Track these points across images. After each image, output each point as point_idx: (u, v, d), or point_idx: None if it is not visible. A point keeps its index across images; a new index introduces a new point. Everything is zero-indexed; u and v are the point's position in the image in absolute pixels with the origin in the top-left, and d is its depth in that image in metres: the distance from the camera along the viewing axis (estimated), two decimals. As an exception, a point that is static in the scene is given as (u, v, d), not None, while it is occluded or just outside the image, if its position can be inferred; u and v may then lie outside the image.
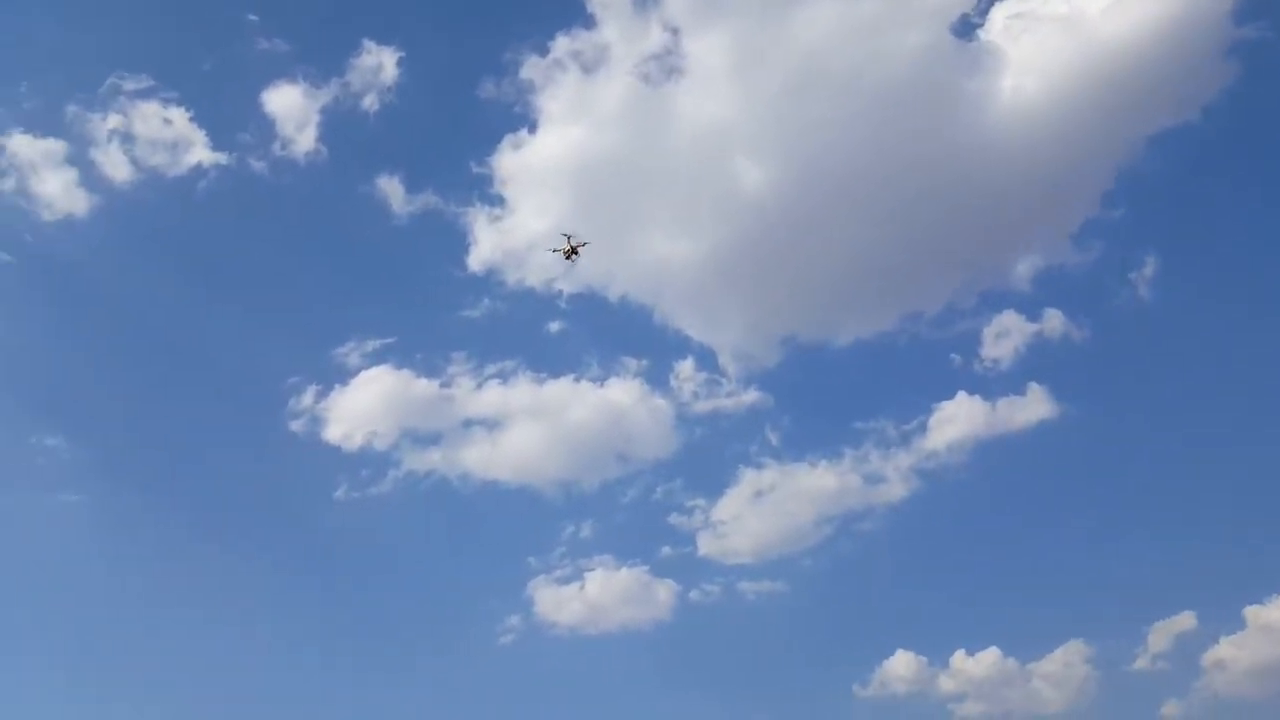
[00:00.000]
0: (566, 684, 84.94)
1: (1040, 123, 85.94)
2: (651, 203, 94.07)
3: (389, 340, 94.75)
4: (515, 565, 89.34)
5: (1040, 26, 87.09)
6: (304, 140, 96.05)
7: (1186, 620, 74.02)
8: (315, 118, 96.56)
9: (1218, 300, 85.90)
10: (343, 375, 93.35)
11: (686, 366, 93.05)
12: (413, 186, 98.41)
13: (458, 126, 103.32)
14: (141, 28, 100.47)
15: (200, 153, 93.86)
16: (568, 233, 75.69)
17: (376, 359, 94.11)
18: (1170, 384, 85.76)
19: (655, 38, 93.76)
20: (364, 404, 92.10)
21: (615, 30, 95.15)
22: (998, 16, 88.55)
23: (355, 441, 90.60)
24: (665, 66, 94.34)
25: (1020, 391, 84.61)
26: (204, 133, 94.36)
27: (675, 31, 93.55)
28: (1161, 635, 74.24)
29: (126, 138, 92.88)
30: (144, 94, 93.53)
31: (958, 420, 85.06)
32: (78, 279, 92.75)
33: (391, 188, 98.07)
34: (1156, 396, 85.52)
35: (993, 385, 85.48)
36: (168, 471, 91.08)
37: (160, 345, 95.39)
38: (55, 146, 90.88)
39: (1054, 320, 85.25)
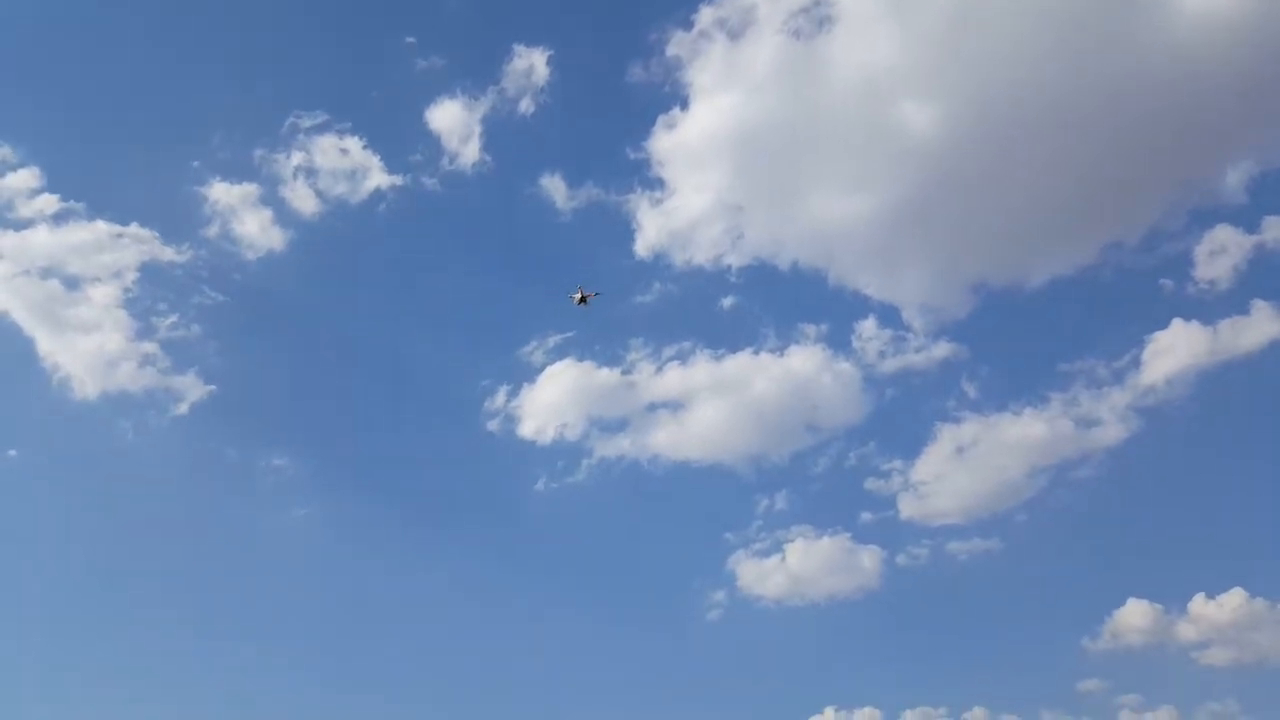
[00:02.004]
0: (776, 655, 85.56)
1: (1240, 13, 77.91)
2: (815, 162, 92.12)
3: (569, 335, 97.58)
4: (714, 542, 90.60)
5: (1229, -93, 78.45)
6: (469, 152, 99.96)
7: None
8: (477, 128, 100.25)
9: None
10: (530, 373, 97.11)
11: (868, 326, 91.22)
12: (574, 181, 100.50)
13: (611, 115, 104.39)
14: (311, 65, 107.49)
15: (377, 177, 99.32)
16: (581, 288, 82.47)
17: (559, 354, 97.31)
18: None
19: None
20: (552, 398, 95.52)
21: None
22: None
23: (548, 435, 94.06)
24: (815, 18, 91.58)
25: (1244, 311, 78.90)
26: (378, 158, 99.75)
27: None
28: None
29: (310, 172, 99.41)
30: (320, 129, 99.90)
31: (1176, 350, 79.87)
32: (283, 309, 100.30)
33: (554, 185, 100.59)
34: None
35: (1212, 308, 79.83)
36: (382, 480, 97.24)
37: (361, 363, 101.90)
38: (249, 190, 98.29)
39: (1275, 229, 78.68)
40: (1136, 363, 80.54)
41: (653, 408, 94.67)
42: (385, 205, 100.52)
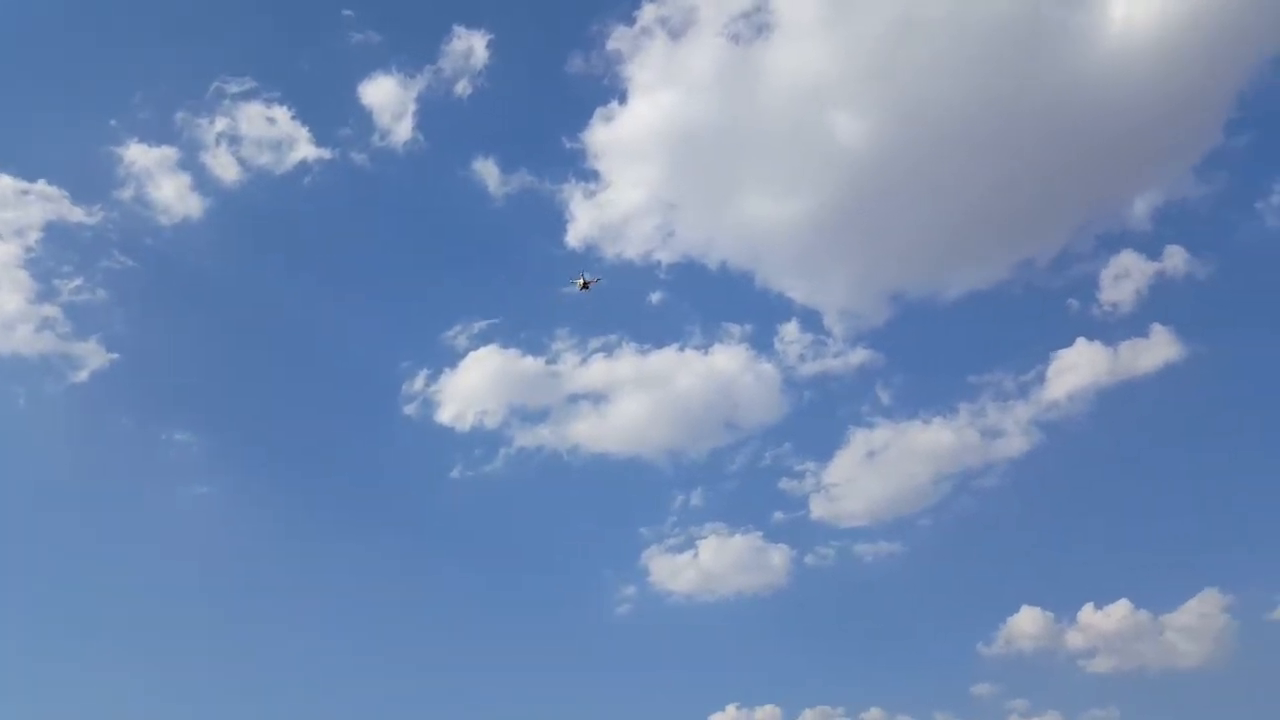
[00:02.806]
0: (683, 650, 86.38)
1: (1154, 51, 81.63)
2: (748, 165, 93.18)
3: (494, 321, 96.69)
4: (628, 536, 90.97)
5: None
6: (401, 130, 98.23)
7: (1332, 563, 70.56)
8: (411, 106, 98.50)
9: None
10: (452, 358, 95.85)
11: (791, 329, 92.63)
12: (508, 167, 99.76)
13: (548, 104, 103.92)
14: (241, 30, 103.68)
15: (304, 149, 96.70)
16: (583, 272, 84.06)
17: (483, 340, 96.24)
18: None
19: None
20: (473, 385, 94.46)
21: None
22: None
23: (467, 422, 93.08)
24: (755, 24, 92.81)
25: (1144, 334, 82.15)
26: (306, 129, 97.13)
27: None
28: (1306, 580, 70.96)
29: (234, 140, 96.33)
30: (247, 95, 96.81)
31: (1078, 368, 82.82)
32: (196, 279, 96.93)
33: (488, 170, 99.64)
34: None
35: (1114, 329, 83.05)
36: (290, 461, 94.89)
37: (276, 338, 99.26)
38: (168, 153, 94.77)
39: (1176, 258, 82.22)
40: (1041, 378, 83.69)
41: (575, 399, 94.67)
42: (311, 178, 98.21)
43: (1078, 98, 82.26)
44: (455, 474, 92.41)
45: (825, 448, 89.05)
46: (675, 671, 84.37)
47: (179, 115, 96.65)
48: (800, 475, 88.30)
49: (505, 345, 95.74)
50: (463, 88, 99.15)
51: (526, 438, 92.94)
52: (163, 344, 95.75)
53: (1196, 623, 73.88)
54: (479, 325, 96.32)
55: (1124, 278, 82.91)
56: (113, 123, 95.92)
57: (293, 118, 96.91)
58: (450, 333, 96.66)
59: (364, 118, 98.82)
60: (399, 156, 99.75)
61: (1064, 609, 77.32)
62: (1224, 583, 73.40)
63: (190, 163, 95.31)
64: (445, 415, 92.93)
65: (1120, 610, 76.05)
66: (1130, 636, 75.37)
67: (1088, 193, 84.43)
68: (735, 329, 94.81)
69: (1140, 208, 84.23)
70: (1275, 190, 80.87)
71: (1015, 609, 78.33)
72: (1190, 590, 74.80)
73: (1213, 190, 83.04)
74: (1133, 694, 74.87)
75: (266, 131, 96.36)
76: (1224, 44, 79.94)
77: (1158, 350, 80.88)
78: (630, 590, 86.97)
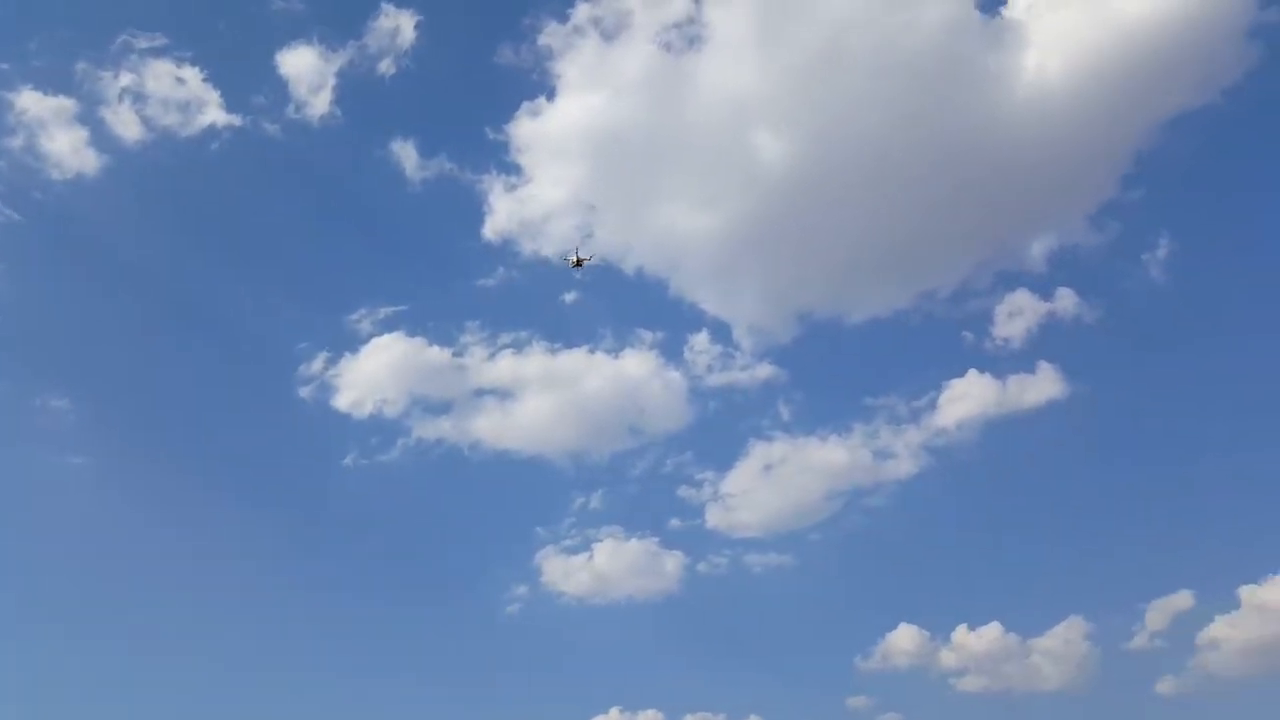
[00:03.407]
0: (570, 652, 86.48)
1: (1062, 103, 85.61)
2: (670, 174, 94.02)
3: (401, 308, 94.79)
4: (524, 535, 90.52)
5: (1063, 5, 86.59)
6: (319, 103, 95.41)
7: (1184, 599, 75.43)
8: (331, 80, 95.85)
9: (1229, 283, 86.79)
10: (353, 342, 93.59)
11: (701, 339, 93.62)
12: (427, 152, 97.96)
13: (474, 92, 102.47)
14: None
15: (213, 113, 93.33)
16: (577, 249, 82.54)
17: (388, 326, 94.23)
18: (1178, 365, 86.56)
19: (677, 6, 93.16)
20: (374, 371, 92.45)
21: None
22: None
23: (365, 409, 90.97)
24: (687, 35, 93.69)
25: (1031, 370, 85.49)
26: (218, 93, 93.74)
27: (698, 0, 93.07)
28: (1159, 614, 75.76)
29: (138, 97, 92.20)
30: (157, 52, 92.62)
31: (968, 398, 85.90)
32: (86, 239, 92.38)
33: (406, 153, 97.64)
34: (1164, 377, 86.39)
35: (1003, 363, 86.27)
36: (173, 435, 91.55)
37: (169, 307, 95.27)
38: (65, 104, 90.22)
39: (1066, 300, 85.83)
40: (933, 405, 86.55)
41: (480, 393, 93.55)
42: (219, 144, 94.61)
43: (989, 139, 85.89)
44: (349, 461, 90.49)
45: (725, 458, 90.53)
46: (561, 673, 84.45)
47: (79, 66, 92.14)
48: (699, 484, 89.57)
49: (411, 334, 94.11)
50: (386, 67, 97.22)
51: (427, 429, 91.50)
52: (44, 304, 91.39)
53: (1061, 648, 77.72)
54: (385, 311, 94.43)
55: (1017, 315, 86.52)
56: (4, 66, 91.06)
57: (204, 80, 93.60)
58: (354, 316, 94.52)
59: (280, 87, 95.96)
60: (313, 130, 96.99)
61: (939, 628, 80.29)
62: (1088, 611, 77.41)
63: (89, 116, 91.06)
64: (343, 401, 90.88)
65: (992, 632, 79.37)
66: (999, 658, 78.86)
67: (990, 231, 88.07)
68: (647, 335, 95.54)
69: (1037, 250, 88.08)
70: (1161, 245, 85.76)
71: (893, 626, 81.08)
72: (1057, 617, 78.51)
73: (1105, 239, 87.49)
74: (999, 713, 78.63)
75: (174, 92, 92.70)
76: (1126, 103, 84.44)
77: (1043, 386, 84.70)
78: (522, 590, 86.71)
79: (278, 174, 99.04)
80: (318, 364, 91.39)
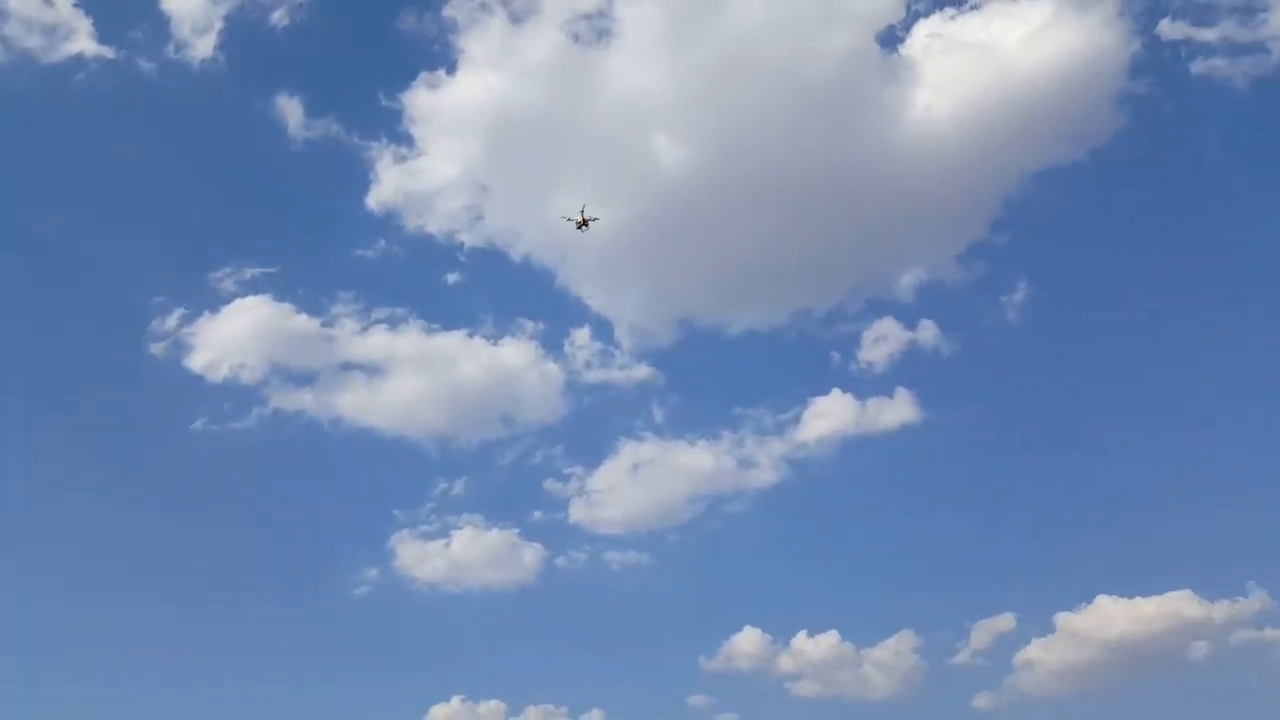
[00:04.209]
0: (419, 639, 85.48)
1: (946, 143, 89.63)
2: (567, 165, 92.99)
3: (271, 270, 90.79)
4: (380, 517, 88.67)
5: (958, 49, 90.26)
6: (202, 46, 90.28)
7: (1006, 621, 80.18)
8: (218, 24, 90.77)
9: (1076, 331, 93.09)
10: (214, 301, 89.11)
11: (583, 335, 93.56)
12: (315, 111, 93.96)
13: (371, 56, 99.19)
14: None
15: (83, 42, 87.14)
16: (583, 209, 76.65)
17: (254, 288, 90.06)
18: (1021, 404, 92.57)
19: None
20: (235, 334, 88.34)
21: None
22: (920, 33, 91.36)
23: (220, 372, 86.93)
24: (596, 28, 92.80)
25: (889, 394, 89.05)
26: (90, 21, 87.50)
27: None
28: (983, 633, 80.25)
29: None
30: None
31: (830, 415, 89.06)
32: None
33: (291, 109, 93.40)
34: (1008, 413, 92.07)
35: (865, 386, 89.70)
36: (8, 380, 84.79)
37: (10, 243, 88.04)
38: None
39: (928, 331, 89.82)
40: (797, 419, 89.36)
41: (348, 367, 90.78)
42: (85, 76, 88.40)
43: (875, 170, 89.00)
44: (198, 426, 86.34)
45: (595, 455, 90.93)
46: (406, 659, 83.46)
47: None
48: (566, 478, 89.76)
49: (279, 298, 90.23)
50: (280, 17, 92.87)
51: (286, 400, 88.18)
52: None
53: (891, 659, 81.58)
54: (252, 272, 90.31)
55: (882, 341, 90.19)
56: None
57: (75, 4, 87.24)
58: (218, 274, 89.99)
59: (160, 23, 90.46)
60: (193, 73, 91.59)
61: (781, 633, 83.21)
62: (919, 626, 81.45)
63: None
64: (197, 362, 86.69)
65: (829, 640, 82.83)
66: (834, 665, 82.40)
67: (866, 259, 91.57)
68: (528, 325, 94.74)
69: (907, 281, 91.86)
70: (1020, 289, 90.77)
71: (739, 628, 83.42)
72: (891, 629, 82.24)
73: (970, 278, 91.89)
74: (828, 718, 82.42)
75: (39, 13, 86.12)
76: (1003, 151, 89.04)
77: (899, 411, 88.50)
78: (372, 573, 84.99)
79: (148, 115, 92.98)
80: (173, 320, 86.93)
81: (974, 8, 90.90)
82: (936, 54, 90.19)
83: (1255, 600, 74.86)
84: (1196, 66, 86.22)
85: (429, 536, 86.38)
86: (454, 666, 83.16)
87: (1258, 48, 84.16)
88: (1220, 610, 75.46)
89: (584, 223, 76.52)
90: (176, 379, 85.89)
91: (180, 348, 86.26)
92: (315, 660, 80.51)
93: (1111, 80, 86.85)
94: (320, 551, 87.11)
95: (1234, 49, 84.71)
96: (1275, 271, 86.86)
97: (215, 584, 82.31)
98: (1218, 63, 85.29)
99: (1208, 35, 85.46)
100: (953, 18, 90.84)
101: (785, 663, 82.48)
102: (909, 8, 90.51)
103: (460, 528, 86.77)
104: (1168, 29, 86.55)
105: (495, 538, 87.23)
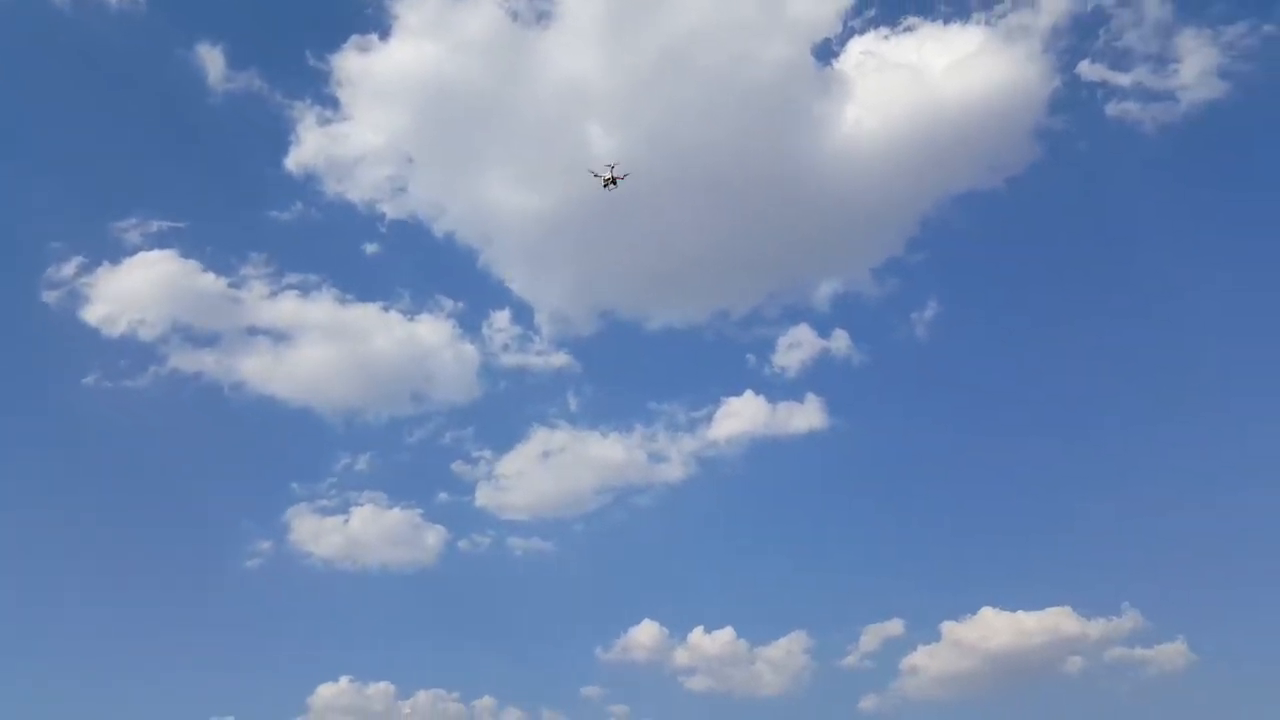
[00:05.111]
0: (310, 616, 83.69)
1: (871, 159, 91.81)
2: (498, 145, 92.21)
3: (179, 225, 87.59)
4: (277, 489, 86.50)
5: (889, 69, 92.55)
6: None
7: (895, 627, 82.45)
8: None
9: (978, 351, 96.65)
10: (116, 252, 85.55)
11: (502, 317, 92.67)
12: (237, 64, 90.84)
13: (302, 12, 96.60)
14: None
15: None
16: (612, 164, 70.45)
17: (160, 242, 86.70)
18: (923, 418, 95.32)
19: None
20: (136, 288, 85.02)
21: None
22: (855, 49, 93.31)
23: (118, 327, 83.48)
24: (537, 9, 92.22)
25: (800, 399, 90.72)
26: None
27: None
28: (872, 637, 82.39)
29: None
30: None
31: (741, 416, 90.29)
32: None
33: (213, 59, 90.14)
34: (908, 426, 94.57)
35: (777, 389, 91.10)
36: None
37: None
38: None
39: (840, 341, 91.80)
40: (710, 418, 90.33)
41: (254, 331, 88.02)
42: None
43: (801, 179, 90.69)
44: (89, 381, 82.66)
45: (506, 439, 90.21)
46: (295, 634, 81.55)
47: None
48: (475, 461, 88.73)
49: (185, 254, 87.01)
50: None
51: (185, 361, 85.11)
52: None
53: (783, 658, 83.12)
54: (159, 225, 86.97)
55: (796, 347, 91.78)
56: None
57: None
58: (122, 224, 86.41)
59: None
60: (109, 12, 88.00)
61: (679, 627, 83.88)
62: (812, 627, 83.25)
63: None
64: (93, 314, 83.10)
65: (725, 636, 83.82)
66: (728, 661, 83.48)
67: (786, 265, 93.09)
68: (447, 303, 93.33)
69: (824, 290, 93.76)
70: (930, 306, 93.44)
71: (637, 621, 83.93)
72: (784, 629, 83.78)
73: (883, 292, 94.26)
74: (719, 714, 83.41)
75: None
76: (924, 172, 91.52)
77: (807, 417, 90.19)
78: (266, 545, 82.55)
79: (60, 53, 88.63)
80: (70, 268, 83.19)
81: (907, 30, 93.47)
82: (869, 71, 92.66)
83: (1129, 620, 78.89)
84: (1111, 108, 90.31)
85: (327, 512, 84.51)
86: (345, 646, 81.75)
87: (1168, 96, 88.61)
88: (1096, 628, 79.15)
89: (613, 180, 70.72)
90: (70, 330, 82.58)
91: (76, 298, 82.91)
92: (201, 632, 78.21)
93: (1031, 113, 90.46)
94: (211, 520, 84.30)
95: (1146, 95, 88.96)
96: (1168, 303, 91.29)
97: (98, 548, 79.31)
98: (1131, 106, 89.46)
99: (1123, 80, 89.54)
100: (886, 38, 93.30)
101: (681, 657, 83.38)
102: (845, 23, 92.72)
103: (361, 504, 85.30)
104: (1087, 70, 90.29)
105: (397, 517, 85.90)
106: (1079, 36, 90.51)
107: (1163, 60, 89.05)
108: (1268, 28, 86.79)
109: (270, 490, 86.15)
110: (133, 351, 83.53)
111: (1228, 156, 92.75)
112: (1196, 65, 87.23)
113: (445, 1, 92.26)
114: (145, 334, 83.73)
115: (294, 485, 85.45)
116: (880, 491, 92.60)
